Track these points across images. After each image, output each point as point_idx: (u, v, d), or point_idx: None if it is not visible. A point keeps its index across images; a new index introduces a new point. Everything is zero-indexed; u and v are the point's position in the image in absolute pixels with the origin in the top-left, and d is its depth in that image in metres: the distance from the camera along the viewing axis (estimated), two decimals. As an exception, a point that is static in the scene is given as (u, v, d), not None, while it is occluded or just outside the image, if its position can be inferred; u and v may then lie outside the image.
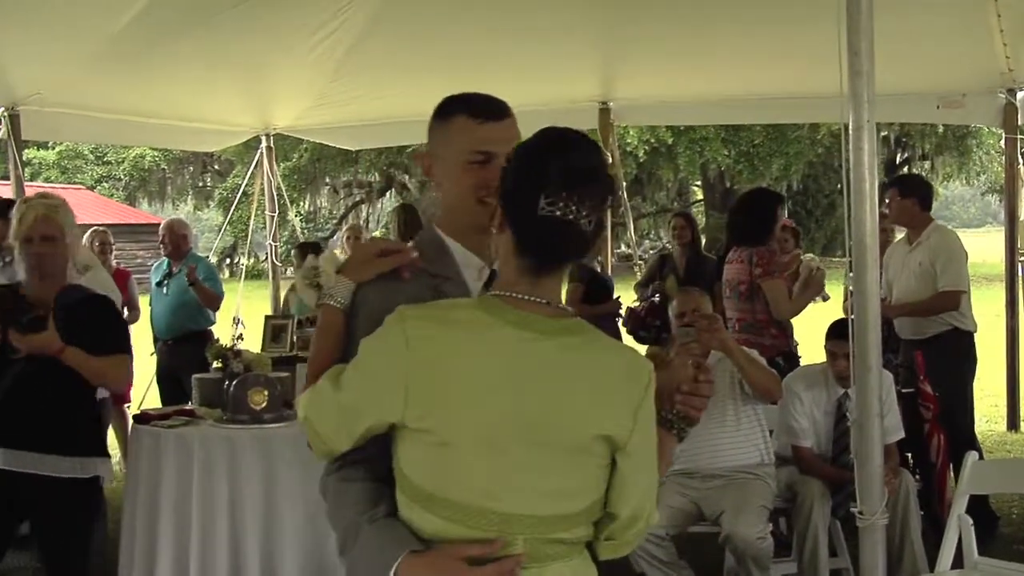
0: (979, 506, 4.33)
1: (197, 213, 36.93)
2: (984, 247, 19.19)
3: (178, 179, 33.26)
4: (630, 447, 1.65)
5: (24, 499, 3.29)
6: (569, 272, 1.80)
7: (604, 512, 1.70)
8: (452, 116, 1.88)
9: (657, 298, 6.57)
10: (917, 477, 4.86)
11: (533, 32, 6.55)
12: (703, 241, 8.81)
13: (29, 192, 6.25)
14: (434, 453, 1.62)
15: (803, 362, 5.15)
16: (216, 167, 32.80)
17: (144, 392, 6.92)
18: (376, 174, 29.43)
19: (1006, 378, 7.64)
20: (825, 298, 5.69)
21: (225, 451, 3.87)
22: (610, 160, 8.02)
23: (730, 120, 14.33)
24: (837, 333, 4.24)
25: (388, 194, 30.74)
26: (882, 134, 24.46)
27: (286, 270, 10.09)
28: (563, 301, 1.72)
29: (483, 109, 1.86)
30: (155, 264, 7.07)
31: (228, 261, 29.41)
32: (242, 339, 4.92)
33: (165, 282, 6.64)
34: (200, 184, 34.40)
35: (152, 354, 6.81)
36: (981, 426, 7.17)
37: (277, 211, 9.15)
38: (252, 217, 9.78)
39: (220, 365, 4.49)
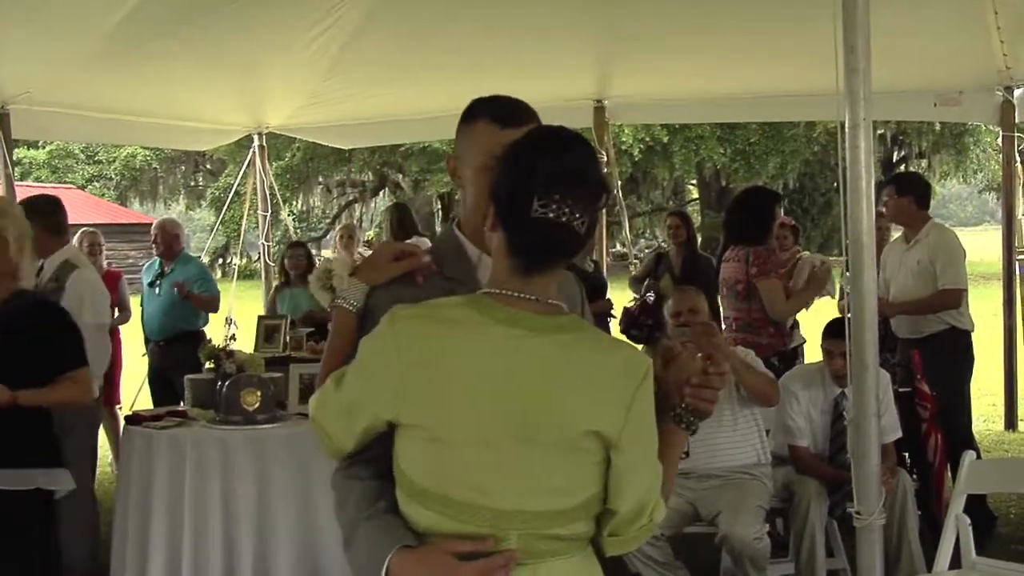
0: (977, 506, 4.31)
1: (189, 213, 36.81)
2: (981, 245, 19.22)
3: (170, 178, 33.08)
4: (623, 443, 1.63)
5: None
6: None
7: (604, 508, 1.69)
8: (475, 119, 1.91)
9: (651, 297, 6.55)
10: (914, 477, 4.86)
11: (527, 30, 6.52)
12: (699, 240, 8.80)
13: (20, 193, 6.21)
14: (427, 449, 1.64)
15: (808, 359, 5.13)
16: (208, 166, 32.64)
17: (136, 393, 6.89)
18: (370, 173, 29.38)
19: (1003, 377, 7.62)
20: (833, 295, 5.68)
21: (218, 452, 3.86)
22: (604, 159, 8.03)
23: (726, 118, 14.31)
24: (834, 332, 4.23)
25: (382, 193, 30.70)
26: (879, 132, 24.51)
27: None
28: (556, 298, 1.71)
29: (505, 114, 1.88)
30: (146, 264, 7.02)
31: (220, 261, 29.26)
32: (235, 339, 4.89)
33: (157, 282, 6.58)
34: (192, 183, 34.24)
35: (144, 355, 6.77)
36: (978, 425, 7.16)
37: (270, 211, 9.09)
38: (244, 217, 9.74)
39: (213, 366, 4.47)
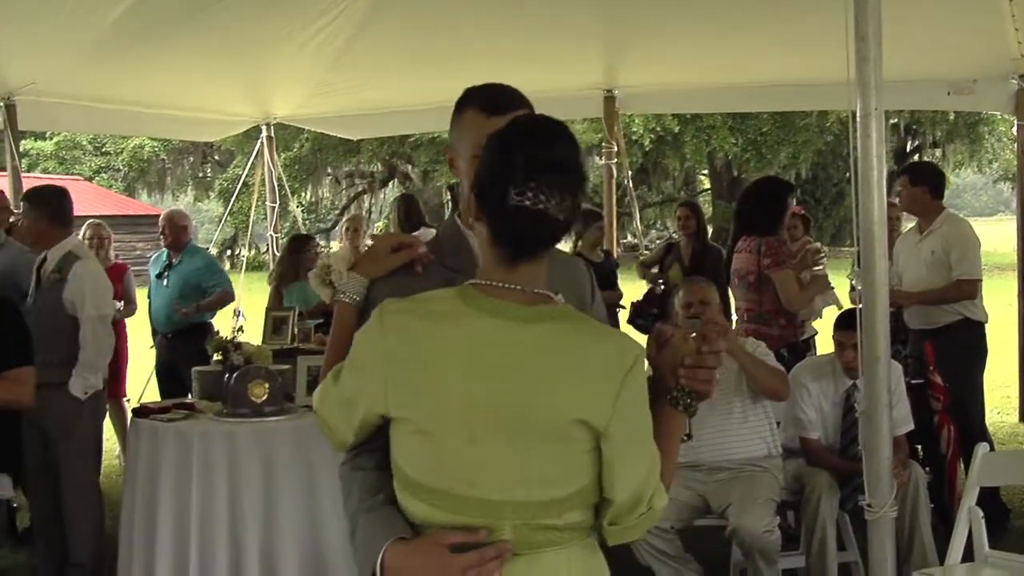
0: (990, 499, 4.29)
1: (197, 204, 36.78)
2: (996, 235, 19.11)
3: (178, 169, 33.11)
4: (611, 431, 1.62)
5: None
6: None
7: (602, 497, 1.68)
8: (464, 109, 1.94)
9: (660, 287, 6.52)
10: (927, 469, 4.82)
11: (537, 19, 6.48)
12: (710, 231, 8.77)
13: (27, 184, 6.20)
14: (417, 441, 1.66)
15: (820, 351, 5.09)
16: (216, 157, 32.65)
17: (143, 386, 6.89)
18: (378, 164, 29.38)
19: (1018, 368, 7.54)
20: (839, 304, 5.57)
21: (225, 445, 3.84)
22: (614, 149, 7.97)
23: (737, 108, 14.28)
24: (845, 323, 4.18)
25: (391, 184, 30.69)
26: (891, 121, 24.37)
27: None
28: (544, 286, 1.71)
29: (490, 102, 1.90)
30: (154, 256, 7.00)
31: (228, 253, 29.27)
32: (242, 331, 4.87)
33: (165, 274, 6.57)
34: (200, 175, 34.27)
35: (151, 347, 6.77)
36: (992, 417, 7.10)
37: (278, 202, 9.08)
38: (253, 208, 9.70)
39: (220, 358, 4.46)
